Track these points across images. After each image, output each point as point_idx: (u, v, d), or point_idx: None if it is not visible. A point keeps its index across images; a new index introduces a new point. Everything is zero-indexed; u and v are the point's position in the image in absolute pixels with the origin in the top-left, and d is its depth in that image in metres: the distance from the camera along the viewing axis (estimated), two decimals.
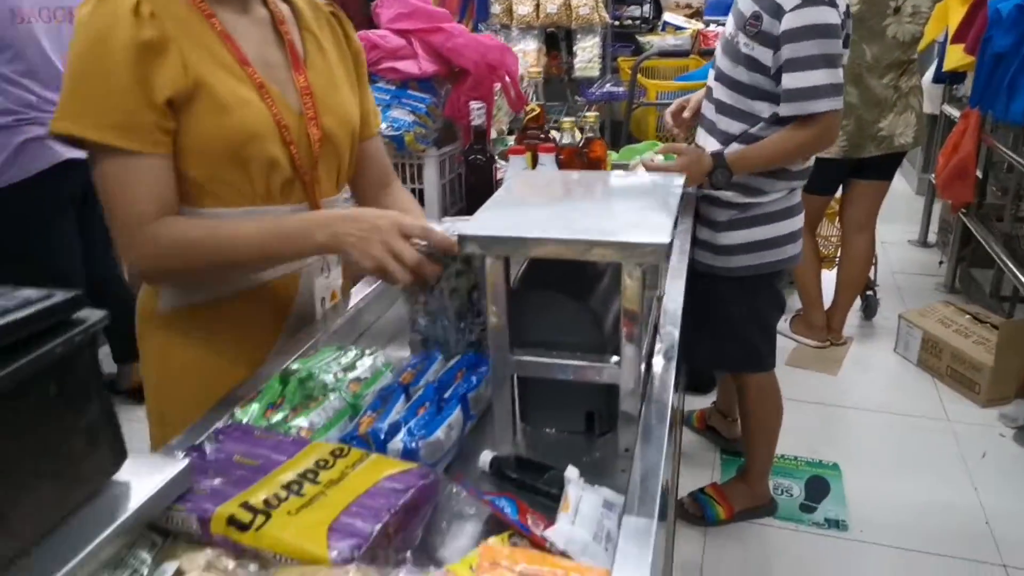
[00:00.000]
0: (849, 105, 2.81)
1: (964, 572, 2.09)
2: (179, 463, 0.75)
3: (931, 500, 2.37)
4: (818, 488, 2.47)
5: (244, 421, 0.93)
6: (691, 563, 2.14)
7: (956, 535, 2.21)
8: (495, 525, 0.84)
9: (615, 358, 0.94)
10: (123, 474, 0.73)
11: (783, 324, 3.37)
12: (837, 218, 3.39)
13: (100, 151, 1.00)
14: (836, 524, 2.30)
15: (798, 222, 1.95)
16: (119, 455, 0.72)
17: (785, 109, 1.71)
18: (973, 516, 2.30)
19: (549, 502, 0.89)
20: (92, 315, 0.67)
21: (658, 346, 1.09)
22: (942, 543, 2.18)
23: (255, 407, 0.96)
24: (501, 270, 0.90)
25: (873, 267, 3.41)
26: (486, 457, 0.94)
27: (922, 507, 2.34)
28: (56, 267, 2.46)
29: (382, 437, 0.89)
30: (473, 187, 1.80)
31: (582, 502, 0.83)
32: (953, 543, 2.18)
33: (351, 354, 1.05)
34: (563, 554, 0.76)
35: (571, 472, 0.88)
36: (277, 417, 0.94)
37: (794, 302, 3.44)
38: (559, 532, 0.77)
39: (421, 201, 1.90)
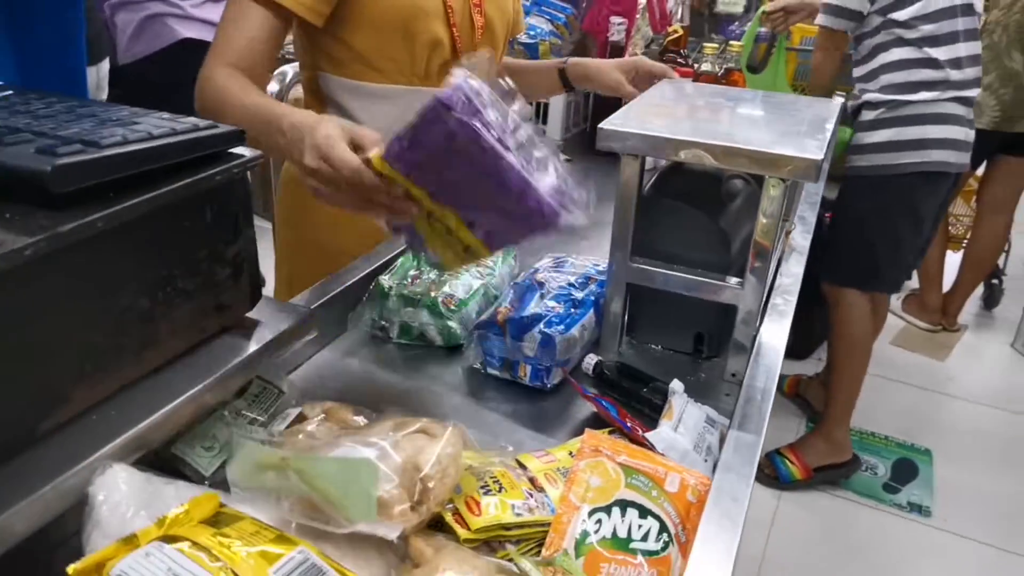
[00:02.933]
0: (1009, 71, 2.59)
1: None
2: (304, 311, 0.79)
3: None
4: (905, 470, 2.38)
5: (387, 288, 0.99)
6: (761, 525, 2.11)
7: None
8: (595, 426, 0.85)
9: (737, 280, 0.92)
10: (255, 313, 0.77)
11: (895, 303, 3.21)
12: (973, 197, 3.17)
13: None
14: (919, 509, 2.22)
15: (949, 131, 1.90)
16: (256, 293, 0.76)
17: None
18: None
19: (650, 412, 0.88)
20: (249, 151, 0.69)
21: (780, 279, 1.05)
22: None
23: (397, 278, 1.02)
24: (636, 171, 0.88)
25: (1004, 254, 3.18)
26: (590, 360, 0.95)
27: (1015, 506, 2.22)
28: None
29: (521, 327, 0.91)
30: (600, 108, 1.77)
31: (685, 413, 0.82)
32: None
33: None
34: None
35: (676, 384, 0.87)
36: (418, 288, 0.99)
37: (911, 281, 3.26)
38: (661, 435, 0.77)
39: (544, 118, 1.88)
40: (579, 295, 0.99)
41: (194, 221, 0.66)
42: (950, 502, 2.23)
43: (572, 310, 0.96)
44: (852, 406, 2.22)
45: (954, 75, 1.87)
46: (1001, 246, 3.05)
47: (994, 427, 2.60)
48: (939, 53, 1.86)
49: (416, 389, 0.93)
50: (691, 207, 0.95)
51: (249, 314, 0.76)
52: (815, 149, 0.82)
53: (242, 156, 0.69)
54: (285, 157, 0.87)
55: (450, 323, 0.99)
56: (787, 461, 2.24)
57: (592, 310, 0.98)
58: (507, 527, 0.63)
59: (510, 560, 0.61)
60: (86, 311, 0.58)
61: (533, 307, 0.95)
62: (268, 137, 0.86)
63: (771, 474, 2.25)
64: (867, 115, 1.95)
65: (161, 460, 0.67)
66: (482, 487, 0.65)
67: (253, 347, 0.72)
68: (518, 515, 0.64)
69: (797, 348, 2.79)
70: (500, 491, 0.65)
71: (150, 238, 0.62)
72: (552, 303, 0.96)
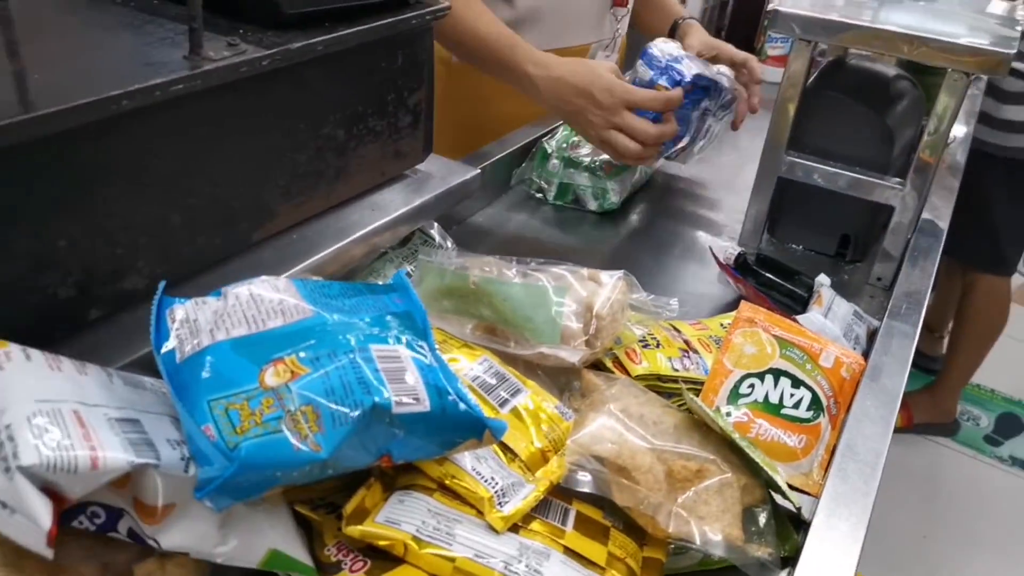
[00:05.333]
0: None
1: None
2: (472, 170, 0.82)
3: None
4: (1010, 424, 2.31)
5: (549, 150, 1.04)
6: None
7: None
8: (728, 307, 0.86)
9: (898, 179, 0.89)
10: (426, 166, 0.80)
11: None
12: None
13: None
14: (1021, 464, 2.16)
15: None
16: (428, 145, 0.79)
17: None
18: None
19: (793, 304, 0.89)
20: (437, 3, 0.71)
21: (935, 190, 1.02)
22: None
23: (557, 142, 1.06)
24: (805, 58, 0.86)
25: None
26: (732, 251, 0.95)
27: None
28: None
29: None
30: (738, 16, 1.71)
31: (834, 304, 0.82)
32: None
33: None
34: None
35: (823, 278, 0.86)
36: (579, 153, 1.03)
37: None
38: (811, 319, 0.78)
39: None
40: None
41: (389, 62, 0.69)
42: None
43: None
44: (969, 378, 2.16)
45: None
46: None
47: None
48: None
49: (568, 249, 0.97)
50: (856, 102, 0.92)
51: (421, 167, 0.80)
52: (1006, 43, 0.78)
53: (430, 4, 0.71)
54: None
55: (607, 185, 1.00)
56: None
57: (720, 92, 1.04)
58: (663, 379, 0.66)
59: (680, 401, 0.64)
60: (297, 132, 0.62)
61: None
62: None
63: None
64: (1009, 84, 1.72)
65: None
66: (640, 342, 0.67)
67: (422, 197, 0.76)
68: (675, 369, 0.66)
69: None
70: (658, 346, 0.67)
71: (354, 73, 0.66)
72: None
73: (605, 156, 1.03)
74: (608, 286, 0.64)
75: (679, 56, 0.97)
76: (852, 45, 0.82)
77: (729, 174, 1.20)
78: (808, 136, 0.93)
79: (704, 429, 0.58)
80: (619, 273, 0.65)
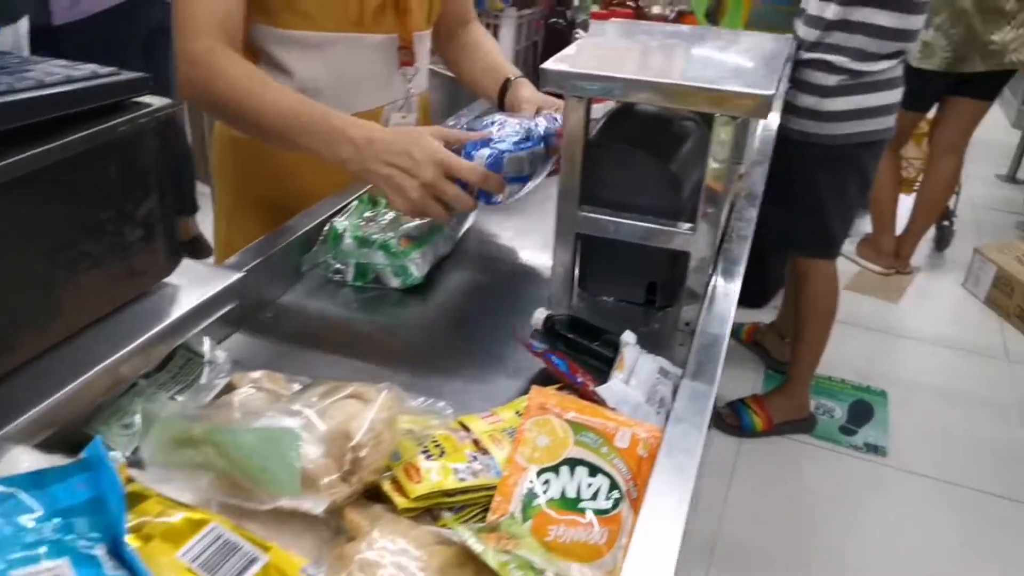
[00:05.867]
0: (960, 11, 2.58)
1: (999, 509, 2.05)
2: (233, 274, 0.74)
3: (977, 437, 2.31)
4: (861, 412, 2.42)
5: (340, 230, 0.97)
6: (723, 469, 2.13)
7: (997, 473, 2.16)
8: (546, 383, 0.81)
9: (689, 225, 0.89)
10: (177, 278, 0.72)
11: (849, 246, 3.24)
12: (925, 140, 3.19)
13: None
14: (875, 449, 2.26)
15: (897, 95, 1.87)
16: (174, 256, 0.70)
17: None
18: (1017, 457, 2.23)
19: (602, 366, 0.85)
20: (160, 101, 0.63)
21: (734, 223, 1.03)
22: (981, 479, 2.13)
23: (351, 220, 0.99)
24: (581, 115, 0.84)
25: (955, 196, 3.22)
26: (540, 314, 0.91)
27: (969, 442, 2.28)
28: None
29: (472, 152, 0.95)
30: (549, 56, 1.70)
31: (638, 365, 0.80)
32: (992, 480, 2.13)
33: None
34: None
35: (628, 336, 0.84)
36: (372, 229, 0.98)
37: (863, 226, 3.29)
38: (612, 389, 0.74)
39: None
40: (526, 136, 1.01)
41: (97, 178, 0.60)
42: (905, 441, 2.28)
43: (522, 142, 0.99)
44: (815, 367, 2.25)
45: (913, 41, 1.84)
46: (952, 187, 3.08)
47: (945, 366, 2.66)
48: (916, 22, 1.78)
49: (372, 334, 0.91)
50: (640, 150, 0.91)
51: (174, 279, 0.71)
52: (766, 84, 0.79)
53: (149, 105, 0.63)
54: (342, 166, 0.92)
55: (406, 262, 0.95)
56: (752, 412, 2.27)
57: (543, 144, 1.01)
58: (450, 493, 0.60)
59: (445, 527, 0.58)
60: None
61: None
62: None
63: (734, 423, 2.27)
64: (827, 79, 1.83)
65: (75, 441, 0.63)
66: (423, 452, 0.61)
67: (172, 315, 0.67)
68: (461, 480, 0.60)
69: (754, 296, 2.80)
70: (442, 456, 0.62)
71: (45, 196, 0.56)
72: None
73: (404, 229, 0.97)
74: (373, 405, 0.57)
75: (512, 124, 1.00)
76: (620, 98, 0.80)
77: (541, 235, 1.16)
78: (600, 189, 0.91)
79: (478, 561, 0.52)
80: (384, 387, 0.59)
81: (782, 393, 2.30)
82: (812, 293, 2.14)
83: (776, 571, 1.85)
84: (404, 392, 0.62)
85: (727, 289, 0.89)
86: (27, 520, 0.38)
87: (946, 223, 3.34)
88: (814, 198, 1.97)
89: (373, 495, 0.60)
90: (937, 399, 2.49)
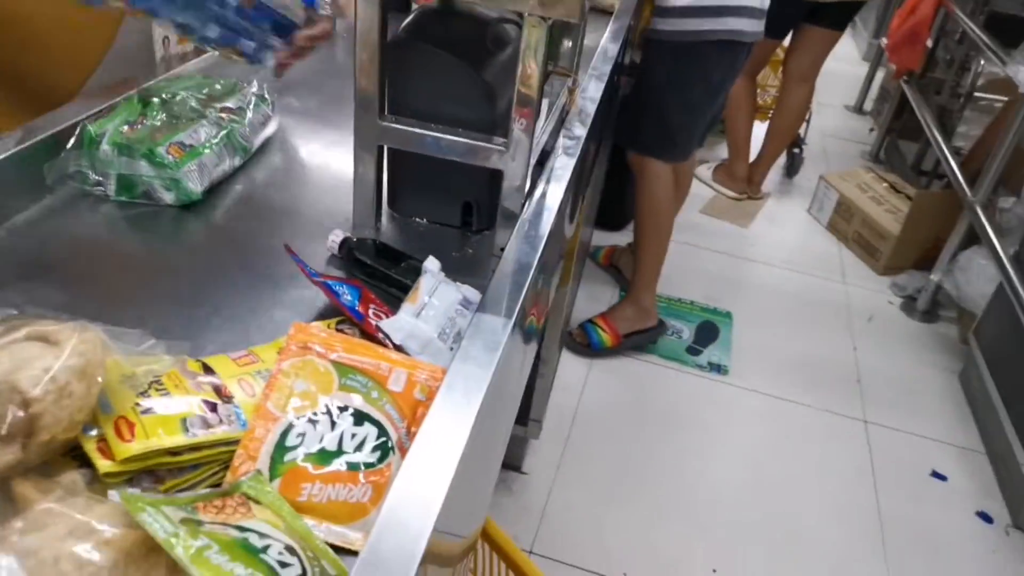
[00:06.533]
0: None
1: (828, 423, 2.18)
2: None
3: (810, 354, 2.43)
4: (707, 333, 2.49)
5: (96, 136, 0.81)
6: (572, 390, 2.14)
7: (827, 389, 2.29)
8: (329, 314, 0.72)
9: (501, 140, 0.80)
10: None
11: (705, 171, 3.29)
12: (780, 69, 3.24)
13: None
14: (718, 368, 2.34)
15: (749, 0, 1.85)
16: None
17: None
18: (847, 374, 2.37)
19: (402, 295, 0.77)
20: None
21: (562, 140, 0.95)
22: (812, 395, 2.25)
23: (111, 123, 0.83)
24: (375, 5, 0.72)
25: (805, 124, 3.32)
26: (336, 237, 0.81)
27: (801, 360, 2.40)
28: None
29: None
30: None
31: (435, 295, 0.71)
32: (823, 396, 2.26)
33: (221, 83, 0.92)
34: (399, 348, 0.65)
35: (431, 263, 0.75)
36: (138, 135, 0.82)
37: (720, 152, 3.35)
38: (396, 324, 0.66)
39: None
40: None
41: None
42: (745, 360, 2.37)
43: None
44: (658, 273, 2.26)
45: None
46: (803, 114, 3.16)
47: (787, 287, 2.78)
48: None
49: (142, 256, 0.78)
50: (450, 55, 0.80)
51: None
52: None
53: None
54: None
55: (178, 174, 0.81)
56: (599, 329, 2.27)
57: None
58: (176, 451, 0.50)
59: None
60: None
61: None
62: None
63: (583, 342, 2.27)
64: None
65: None
66: (139, 402, 0.51)
67: None
68: (192, 436, 0.51)
69: (612, 219, 2.79)
70: (168, 408, 0.51)
71: None
72: None
73: (177, 137, 0.83)
74: (62, 348, 0.46)
75: None
76: None
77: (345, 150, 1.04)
78: (406, 97, 0.80)
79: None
80: (78, 326, 0.47)
81: (626, 304, 2.30)
82: (647, 193, 2.13)
83: (623, 486, 1.89)
84: (120, 330, 0.50)
85: (544, 210, 0.81)
86: None
87: (796, 150, 3.44)
88: (657, 94, 1.97)
89: (81, 458, 0.49)
90: (775, 319, 2.60)
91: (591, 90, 1.11)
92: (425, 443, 0.51)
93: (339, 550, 0.51)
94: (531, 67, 0.74)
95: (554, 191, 0.85)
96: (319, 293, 0.73)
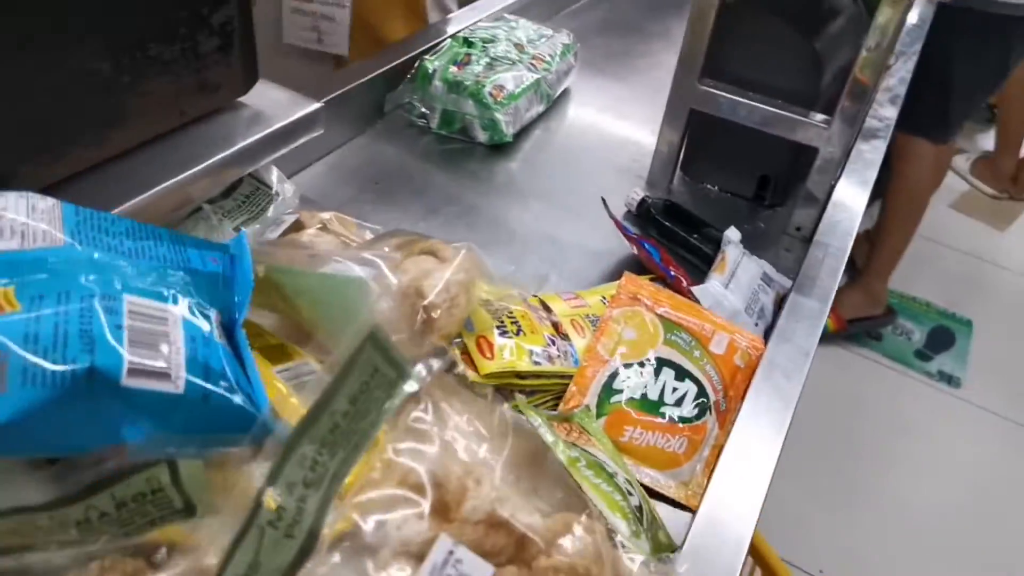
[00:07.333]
0: None
1: None
2: (312, 103, 0.67)
3: None
4: (942, 339, 2.30)
5: (431, 70, 0.89)
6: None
7: None
8: (635, 270, 0.74)
9: (823, 117, 0.77)
10: (251, 99, 0.65)
11: (962, 162, 2.97)
12: None
13: None
14: (949, 379, 2.16)
15: None
16: (251, 75, 0.63)
17: None
18: None
19: (697, 261, 0.78)
20: None
21: (869, 122, 0.90)
22: None
23: (440, 61, 0.91)
24: None
25: None
26: (636, 195, 0.83)
27: None
28: None
29: None
30: None
31: (740, 267, 0.72)
32: None
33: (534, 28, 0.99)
34: None
35: (732, 232, 0.76)
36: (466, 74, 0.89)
37: (982, 143, 3.01)
38: (709, 290, 0.67)
39: None
40: None
41: None
42: (982, 375, 2.16)
43: None
44: (897, 260, 2.10)
45: None
46: None
47: None
48: None
49: (450, 190, 0.84)
50: (782, 22, 0.78)
51: (249, 100, 0.65)
52: None
53: None
54: None
55: (497, 115, 0.87)
56: None
57: None
58: (522, 375, 0.55)
59: (517, 411, 0.53)
60: (33, 67, 0.47)
61: None
62: None
63: None
64: None
65: None
66: (498, 327, 0.56)
67: (246, 139, 0.61)
68: (536, 363, 0.55)
69: None
70: (518, 334, 0.56)
71: None
72: None
73: (499, 78, 0.88)
74: (450, 264, 0.51)
75: None
76: None
77: (643, 106, 1.05)
78: (727, 62, 0.80)
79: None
80: (463, 247, 0.53)
81: (855, 287, 2.16)
82: (905, 175, 1.96)
83: (831, 483, 1.82)
84: (484, 256, 0.55)
85: (854, 197, 0.78)
86: (156, 260, 0.36)
87: None
88: (945, 68, 1.78)
89: None
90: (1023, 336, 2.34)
91: (901, 69, 1.04)
92: (751, 416, 0.53)
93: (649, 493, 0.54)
94: (874, 48, 0.71)
95: (865, 175, 0.82)
96: (618, 245, 0.76)
